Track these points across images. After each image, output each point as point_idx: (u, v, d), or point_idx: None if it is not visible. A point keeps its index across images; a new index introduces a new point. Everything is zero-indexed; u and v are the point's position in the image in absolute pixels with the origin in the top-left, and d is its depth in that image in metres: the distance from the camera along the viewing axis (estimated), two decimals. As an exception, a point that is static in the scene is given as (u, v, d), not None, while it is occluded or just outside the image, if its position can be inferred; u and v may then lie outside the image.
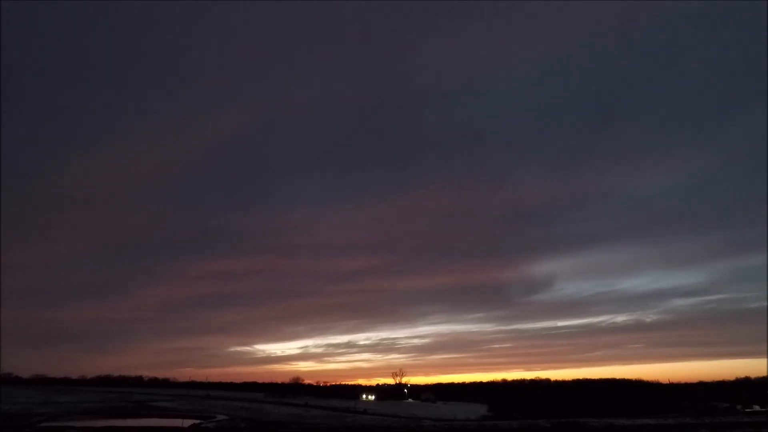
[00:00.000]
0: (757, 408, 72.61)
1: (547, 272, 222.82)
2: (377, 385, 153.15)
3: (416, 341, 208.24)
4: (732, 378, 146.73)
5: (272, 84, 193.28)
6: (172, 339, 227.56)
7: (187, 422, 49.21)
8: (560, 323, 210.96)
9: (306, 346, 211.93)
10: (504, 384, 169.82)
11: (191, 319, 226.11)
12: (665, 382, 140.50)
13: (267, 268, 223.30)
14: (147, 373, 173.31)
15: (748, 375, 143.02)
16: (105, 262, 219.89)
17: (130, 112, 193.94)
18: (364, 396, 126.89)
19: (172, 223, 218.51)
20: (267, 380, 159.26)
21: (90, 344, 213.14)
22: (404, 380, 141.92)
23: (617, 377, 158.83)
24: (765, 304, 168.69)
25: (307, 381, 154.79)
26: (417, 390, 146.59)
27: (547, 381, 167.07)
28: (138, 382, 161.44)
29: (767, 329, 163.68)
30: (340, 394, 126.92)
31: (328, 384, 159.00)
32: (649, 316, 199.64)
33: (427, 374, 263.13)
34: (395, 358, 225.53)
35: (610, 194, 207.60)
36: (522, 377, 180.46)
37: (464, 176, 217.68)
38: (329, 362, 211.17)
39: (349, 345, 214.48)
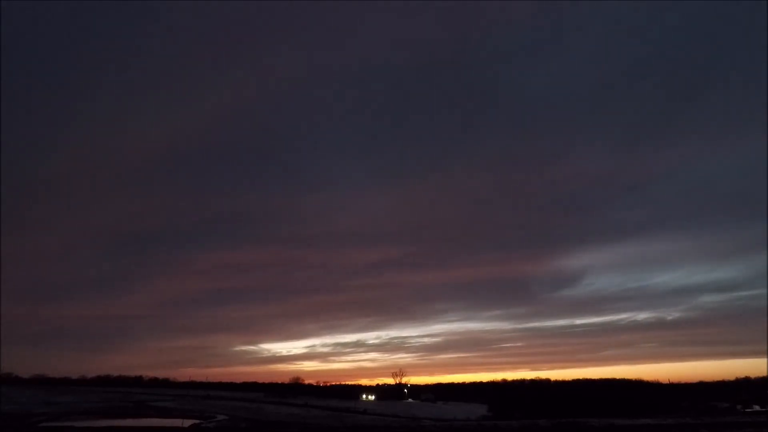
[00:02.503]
0: (757, 408, 72.61)
1: (579, 266, 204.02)
2: (377, 385, 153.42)
3: (426, 340, 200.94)
4: (732, 378, 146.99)
5: (287, 46, 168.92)
6: (175, 337, 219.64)
7: (187, 422, 49.19)
8: (578, 321, 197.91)
9: (313, 345, 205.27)
10: (504, 384, 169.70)
11: (195, 317, 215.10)
12: (665, 382, 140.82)
13: (278, 261, 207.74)
14: (149, 373, 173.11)
15: (748, 375, 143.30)
16: (102, 254, 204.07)
17: (127, 84, 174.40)
18: (364, 396, 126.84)
19: (174, 210, 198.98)
20: (269, 380, 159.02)
21: (89, 343, 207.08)
22: (404, 380, 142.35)
23: (617, 377, 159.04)
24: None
25: (307, 381, 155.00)
26: (417, 390, 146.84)
27: (548, 381, 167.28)
28: (138, 382, 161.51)
29: (767, 329, 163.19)
30: (341, 394, 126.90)
31: (329, 384, 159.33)
32: (672, 314, 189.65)
33: (431, 374, 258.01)
34: (401, 358, 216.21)
35: (667, 177, 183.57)
36: (522, 377, 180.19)
37: (507, 155, 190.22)
38: (334, 362, 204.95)
39: (358, 344, 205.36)
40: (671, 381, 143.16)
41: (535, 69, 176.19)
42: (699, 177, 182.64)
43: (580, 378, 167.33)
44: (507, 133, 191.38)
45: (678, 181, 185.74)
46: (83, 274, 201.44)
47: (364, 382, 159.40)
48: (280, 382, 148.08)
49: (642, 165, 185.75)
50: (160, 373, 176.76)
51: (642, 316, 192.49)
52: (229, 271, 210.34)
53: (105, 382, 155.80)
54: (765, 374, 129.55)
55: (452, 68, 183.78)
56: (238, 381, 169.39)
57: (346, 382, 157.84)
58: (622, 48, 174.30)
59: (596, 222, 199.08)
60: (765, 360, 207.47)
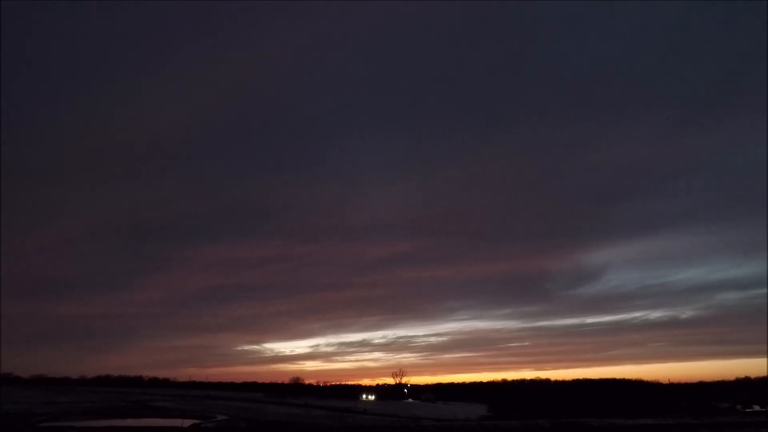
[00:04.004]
0: (757, 408, 72.62)
1: (600, 261, 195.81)
2: (378, 385, 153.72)
3: (433, 340, 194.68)
4: (732, 378, 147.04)
5: (292, 29, 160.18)
6: (176, 337, 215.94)
7: (187, 422, 49.15)
8: (589, 320, 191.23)
9: (317, 345, 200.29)
10: (504, 384, 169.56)
11: (197, 315, 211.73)
12: (665, 382, 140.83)
13: (286, 256, 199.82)
14: (149, 374, 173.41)
15: (748, 375, 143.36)
16: (102, 250, 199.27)
17: (129, 76, 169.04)
18: (364, 396, 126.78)
19: (175, 203, 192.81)
20: (271, 380, 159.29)
21: (90, 343, 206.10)
22: (405, 380, 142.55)
23: (618, 377, 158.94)
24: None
25: (308, 381, 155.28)
26: (417, 390, 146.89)
27: (548, 381, 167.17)
28: (138, 382, 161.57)
29: (767, 329, 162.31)
30: (341, 394, 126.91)
31: (329, 384, 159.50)
32: (686, 313, 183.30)
33: (434, 374, 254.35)
34: (405, 358, 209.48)
35: (701, 167, 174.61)
36: (522, 377, 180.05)
37: (532, 142, 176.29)
38: (337, 362, 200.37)
39: (363, 344, 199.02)
40: (671, 381, 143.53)
41: (570, 49, 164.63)
42: (734, 167, 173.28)
43: (581, 378, 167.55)
44: (535, 118, 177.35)
45: (712, 172, 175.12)
46: (83, 271, 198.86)
47: (366, 382, 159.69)
48: (280, 382, 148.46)
49: (677, 153, 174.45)
50: (160, 373, 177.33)
51: (655, 314, 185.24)
52: (233, 267, 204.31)
53: (105, 382, 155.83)
54: (765, 374, 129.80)
55: (476, 50, 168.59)
56: (238, 381, 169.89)
57: (347, 382, 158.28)
58: (664, 32, 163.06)
59: (624, 214, 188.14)
60: (765, 360, 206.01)
